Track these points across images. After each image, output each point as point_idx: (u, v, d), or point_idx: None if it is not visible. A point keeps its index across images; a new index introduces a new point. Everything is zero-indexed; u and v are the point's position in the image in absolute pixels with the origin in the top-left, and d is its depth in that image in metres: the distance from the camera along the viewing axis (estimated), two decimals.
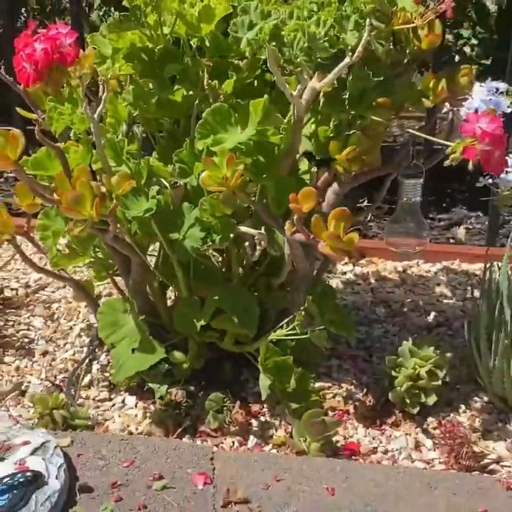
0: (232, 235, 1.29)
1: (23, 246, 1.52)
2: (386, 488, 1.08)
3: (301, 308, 1.32)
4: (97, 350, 1.51)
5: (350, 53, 1.08)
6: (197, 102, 1.33)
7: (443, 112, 1.25)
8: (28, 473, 0.99)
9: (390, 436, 1.29)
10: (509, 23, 2.21)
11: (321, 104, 1.18)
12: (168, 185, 1.29)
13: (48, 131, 1.35)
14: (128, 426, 1.32)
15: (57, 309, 1.65)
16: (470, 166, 1.06)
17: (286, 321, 1.32)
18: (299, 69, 1.07)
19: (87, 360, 1.48)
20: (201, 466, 1.09)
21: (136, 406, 1.37)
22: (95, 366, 1.47)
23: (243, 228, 1.29)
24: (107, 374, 1.45)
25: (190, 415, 1.34)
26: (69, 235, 1.34)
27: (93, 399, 1.39)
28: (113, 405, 1.38)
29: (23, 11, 2.93)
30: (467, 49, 2.60)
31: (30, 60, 1.15)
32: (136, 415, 1.34)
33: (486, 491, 1.09)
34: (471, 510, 1.05)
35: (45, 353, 1.50)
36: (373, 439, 1.28)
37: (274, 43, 1.03)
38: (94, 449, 1.12)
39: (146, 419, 1.33)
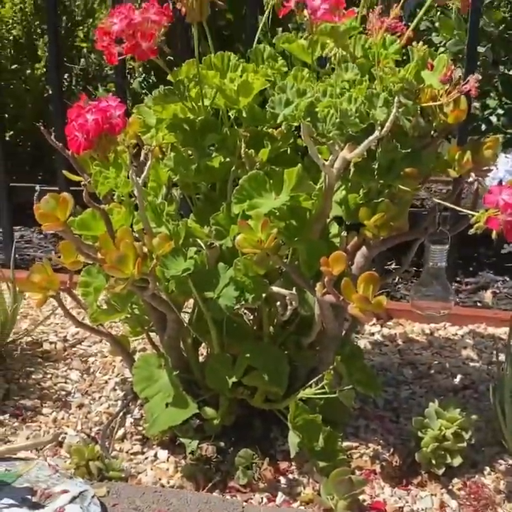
0: (264, 295, 1.35)
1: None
2: None
3: (330, 367, 1.36)
4: (130, 404, 1.56)
5: (379, 128, 1.15)
6: (233, 168, 1.41)
7: (468, 181, 1.30)
8: None
9: (416, 496, 1.31)
10: None
11: (351, 173, 1.24)
12: (203, 246, 1.36)
13: (92, 193, 1.44)
14: (160, 479, 1.35)
15: (93, 363, 1.71)
16: (494, 235, 1.11)
17: (315, 379, 1.37)
18: (331, 142, 1.15)
19: (121, 414, 1.53)
20: None
21: (167, 460, 1.41)
22: (129, 420, 1.52)
23: (275, 288, 1.35)
24: (140, 428, 1.50)
25: (220, 470, 1.37)
26: (109, 292, 1.41)
27: (126, 452, 1.43)
28: (146, 459, 1.42)
29: (66, 77, 3.08)
30: (493, 118, 2.67)
31: (82, 130, 1.23)
32: (167, 469, 1.38)
33: None
34: None
35: (81, 406, 1.56)
36: (399, 498, 1.30)
37: (308, 119, 1.10)
38: (129, 499, 1.16)
39: (178, 473, 1.37)
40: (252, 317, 1.56)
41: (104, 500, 1.16)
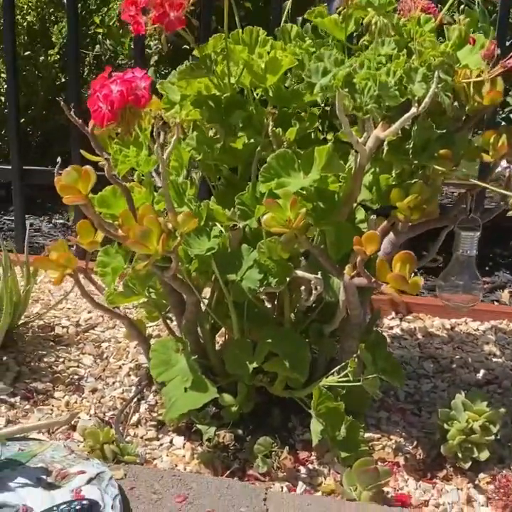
0: (288, 279, 1.31)
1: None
2: None
3: (354, 355, 1.32)
4: (145, 390, 1.52)
5: (416, 104, 1.11)
6: (259, 148, 1.37)
7: (503, 167, 1.26)
8: (85, 502, 1.00)
9: (442, 489, 1.26)
10: None
11: (384, 152, 1.20)
12: (223, 229, 1.31)
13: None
14: (176, 465, 1.31)
15: (106, 348, 1.67)
16: None
17: (338, 368, 1.33)
18: (368, 116, 1.11)
19: (135, 399, 1.49)
20: (254, 507, 1.08)
21: (183, 447, 1.36)
22: (143, 406, 1.47)
23: (300, 272, 1.31)
24: (154, 414, 1.45)
25: (238, 458, 1.33)
26: (130, 273, 1.37)
27: (141, 437, 1.39)
28: (161, 445, 1.37)
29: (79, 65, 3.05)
30: None
31: (106, 101, 1.19)
32: (183, 456, 1.34)
33: None
34: None
35: (94, 390, 1.52)
36: (424, 492, 1.26)
37: (346, 89, 1.07)
38: (147, 483, 1.12)
39: (194, 459, 1.33)
40: (269, 305, 1.52)
41: (121, 482, 1.11)
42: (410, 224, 1.32)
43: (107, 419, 1.43)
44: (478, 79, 1.16)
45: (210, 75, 1.31)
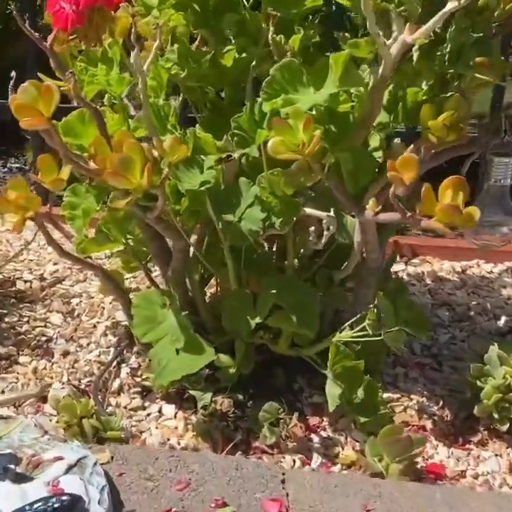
0: (294, 219, 1.11)
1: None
2: None
3: (370, 306, 1.13)
4: (125, 351, 1.31)
5: None
6: (254, 63, 1.15)
7: None
8: (65, 497, 0.79)
9: (478, 457, 1.10)
10: None
11: (414, 59, 0.99)
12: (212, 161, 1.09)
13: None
14: (168, 439, 1.12)
15: (77, 305, 1.45)
16: None
17: (353, 320, 1.14)
18: (402, 8, 0.89)
19: (114, 363, 1.28)
20: (272, 491, 0.90)
21: (175, 416, 1.17)
22: (124, 370, 1.27)
23: (308, 210, 1.10)
24: (138, 379, 1.25)
25: (241, 428, 1.14)
26: (104, 215, 1.15)
27: (124, 407, 1.19)
28: (148, 415, 1.18)
29: None
30: None
31: (70, 0, 0.96)
32: (176, 427, 1.15)
33: None
34: None
35: (65, 354, 1.30)
36: (458, 460, 1.09)
37: None
38: (140, 467, 0.92)
39: (189, 431, 1.14)
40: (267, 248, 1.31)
41: (108, 468, 0.91)
42: (434, 151, 1.12)
43: (82, 387, 1.22)
44: None
45: None
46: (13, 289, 1.48)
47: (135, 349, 1.31)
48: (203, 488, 0.89)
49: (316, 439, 1.13)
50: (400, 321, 1.13)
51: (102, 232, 1.24)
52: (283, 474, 0.94)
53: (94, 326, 1.38)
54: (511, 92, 1.50)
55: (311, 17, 1.24)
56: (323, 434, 1.14)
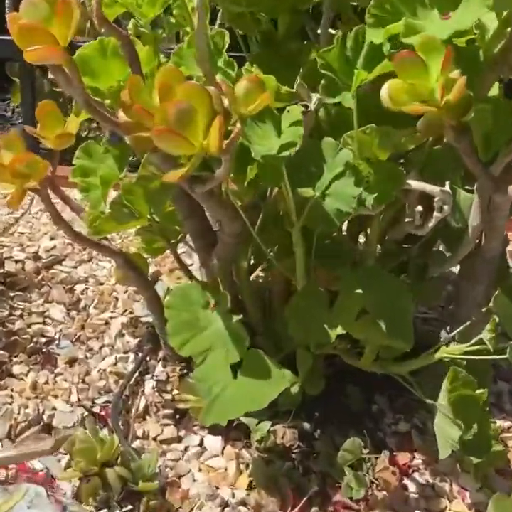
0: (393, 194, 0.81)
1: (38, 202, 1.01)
2: None
3: (482, 309, 0.85)
4: (148, 358, 1.02)
5: None
6: None
7: None
8: None
9: None
10: None
11: None
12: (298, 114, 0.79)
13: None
14: (217, 488, 0.84)
15: (83, 293, 1.15)
16: None
17: (457, 330, 0.86)
18: None
19: (136, 374, 0.99)
20: None
21: (222, 453, 0.89)
22: (149, 383, 0.98)
23: (414, 183, 0.81)
24: (167, 396, 0.97)
25: (313, 472, 0.86)
26: (126, 183, 0.84)
27: (154, 438, 0.91)
28: (186, 449, 0.90)
29: None
30: None
31: None
32: (225, 470, 0.87)
33: None
34: None
35: (72, 361, 1.01)
36: None
37: None
38: None
39: (243, 475, 0.86)
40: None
41: None
42: None
43: (97, 409, 0.93)
44: None
45: None
46: (1, 271, 1.17)
47: (160, 354, 1.03)
48: None
49: (411, 486, 0.86)
50: None
51: (122, 205, 0.93)
52: None
53: (107, 323, 1.09)
54: None
55: None
56: (420, 478, 0.87)
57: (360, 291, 0.84)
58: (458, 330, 0.86)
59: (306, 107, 0.81)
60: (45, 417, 0.90)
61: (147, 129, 0.65)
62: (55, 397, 0.94)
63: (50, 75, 0.75)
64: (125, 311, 1.11)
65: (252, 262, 0.99)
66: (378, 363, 0.91)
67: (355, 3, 0.90)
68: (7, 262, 1.18)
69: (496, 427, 0.92)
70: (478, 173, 0.76)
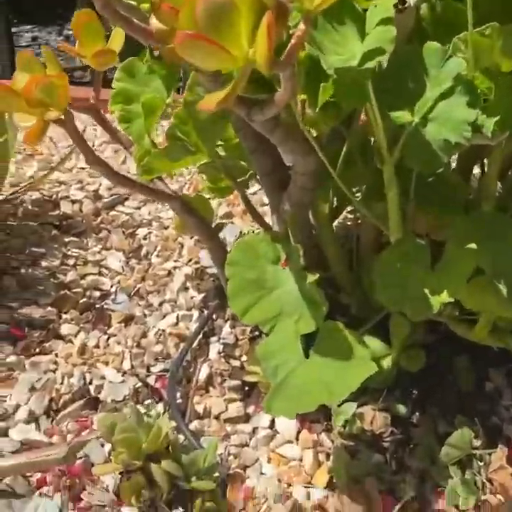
0: None
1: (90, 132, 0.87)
2: None
3: None
4: (215, 315, 0.87)
5: None
6: None
7: None
8: None
9: None
10: None
11: None
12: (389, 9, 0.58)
13: None
14: (289, 485, 0.69)
15: (145, 239, 1.01)
16: None
17: None
18: None
19: (200, 336, 0.84)
20: None
21: (297, 438, 0.73)
22: (215, 347, 0.83)
23: None
24: (235, 362, 0.82)
25: (407, 468, 0.70)
26: (182, 110, 0.67)
27: (216, 417, 0.76)
28: (254, 432, 0.75)
29: None
30: None
31: None
32: (300, 461, 0.71)
33: None
34: None
35: (128, 320, 0.88)
36: None
37: None
38: None
39: (320, 469, 0.70)
40: None
41: None
42: None
43: (153, 380, 0.80)
44: None
45: None
46: (56, 213, 1.04)
47: (229, 312, 0.87)
48: None
49: None
50: None
51: (176, 139, 0.76)
52: None
53: (169, 274, 0.94)
54: None
55: None
56: None
57: (473, 245, 0.65)
58: None
59: (403, 1, 0.61)
60: (91, 389, 0.78)
61: None
62: (106, 363, 0.81)
63: None
64: (190, 260, 0.96)
65: (335, 205, 0.81)
66: (496, 335, 0.72)
67: None
68: (63, 202, 1.05)
69: None
70: None
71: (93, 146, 1.20)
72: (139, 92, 0.72)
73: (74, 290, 0.91)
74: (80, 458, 0.69)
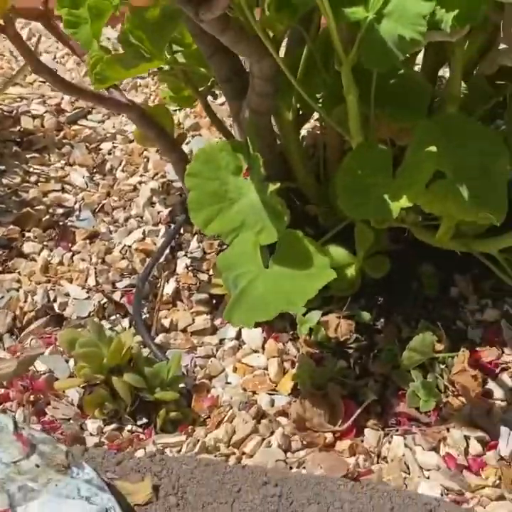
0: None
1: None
2: None
3: None
4: (182, 229, 0.86)
5: None
6: None
7: None
8: None
9: None
10: None
11: None
12: None
13: None
14: (254, 393, 0.69)
15: (109, 153, 0.98)
16: None
17: None
18: None
19: (167, 250, 0.83)
20: None
21: (262, 348, 0.74)
22: (182, 262, 0.83)
23: None
24: (203, 276, 0.81)
25: (371, 374, 0.70)
26: (131, 14, 0.64)
27: (183, 330, 0.76)
28: (221, 343, 0.75)
29: None
30: None
31: None
32: (265, 370, 0.72)
33: None
34: None
35: (93, 236, 0.86)
36: None
37: None
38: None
39: (286, 377, 0.71)
40: None
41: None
42: None
43: (118, 296, 0.79)
44: None
45: None
46: (17, 129, 1.01)
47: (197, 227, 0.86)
48: None
49: (497, 392, 0.69)
50: None
51: (130, 45, 0.73)
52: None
53: (135, 189, 0.92)
54: None
55: None
56: (509, 381, 0.70)
57: (434, 148, 0.63)
58: None
59: None
60: (56, 306, 0.77)
61: None
62: (70, 281, 0.80)
63: None
64: (156, 174, 0.93)
65: (300, 112, 0.79)
66: (459, 240, 0.71)
67: None
68: (24, 117, 1.02)
69: None
70: None
71: (54, 58, 1.16)
72: None
73: (36, 207, 0.89)
74: (44, 373, 0.69)
